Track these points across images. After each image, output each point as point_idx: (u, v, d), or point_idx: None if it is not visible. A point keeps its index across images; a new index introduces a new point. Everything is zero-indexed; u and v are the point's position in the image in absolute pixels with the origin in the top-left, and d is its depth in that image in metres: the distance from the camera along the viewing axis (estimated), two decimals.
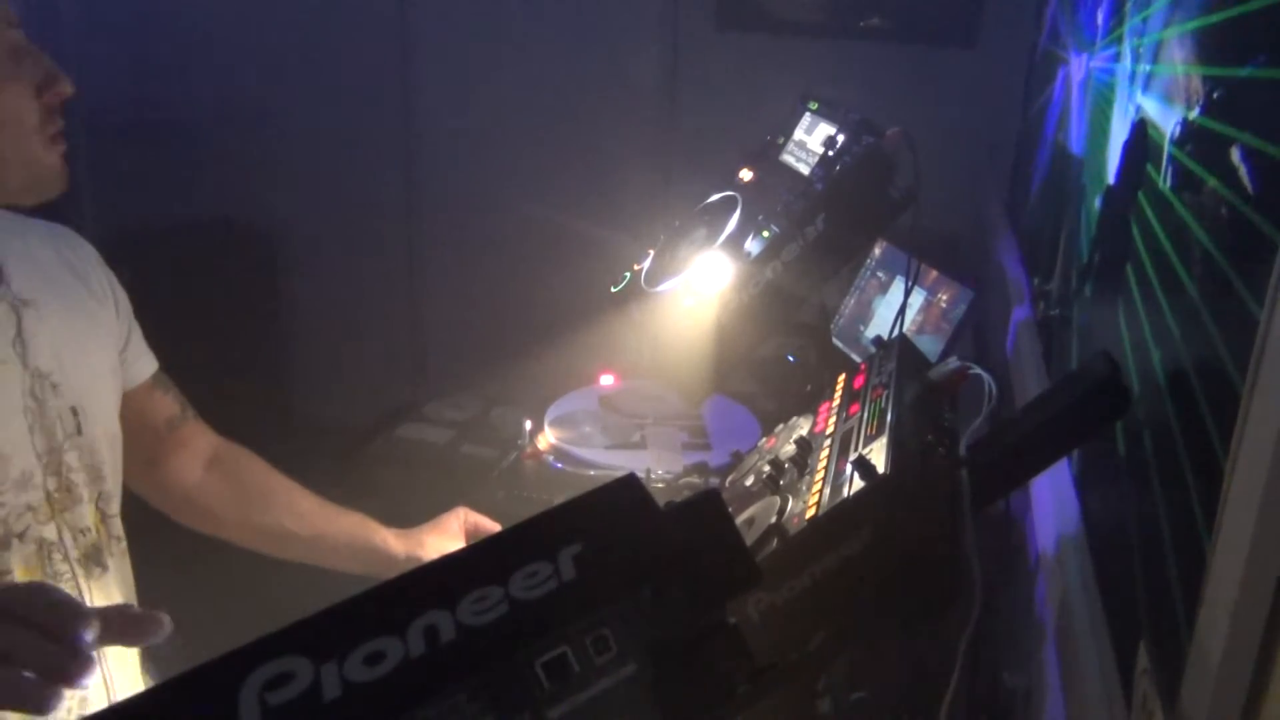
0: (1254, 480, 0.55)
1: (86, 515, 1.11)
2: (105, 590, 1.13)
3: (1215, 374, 0.65)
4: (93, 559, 1.11)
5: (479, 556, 0.54)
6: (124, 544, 1.18)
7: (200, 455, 1.32)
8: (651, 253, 1.54)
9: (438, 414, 2.02)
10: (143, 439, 1.25)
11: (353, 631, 0.49)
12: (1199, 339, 0.70)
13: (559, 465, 1.72)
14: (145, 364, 1.27)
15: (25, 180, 1.05)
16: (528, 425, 1.77)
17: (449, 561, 0.54)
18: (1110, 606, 0.85)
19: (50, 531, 1.06)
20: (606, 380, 1.96)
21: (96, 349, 1.17)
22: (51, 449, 1.07)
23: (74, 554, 1.09)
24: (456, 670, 0.47)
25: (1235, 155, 0.67)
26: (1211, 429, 0.65)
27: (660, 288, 1.44)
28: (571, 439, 1.77)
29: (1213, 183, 0.72)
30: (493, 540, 0.56)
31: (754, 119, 1.65)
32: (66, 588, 1.06)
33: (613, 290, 1.52)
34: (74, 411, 1.10)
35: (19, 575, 1.03)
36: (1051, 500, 1.08)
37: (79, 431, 1.10)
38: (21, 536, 1.03)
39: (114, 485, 1.16)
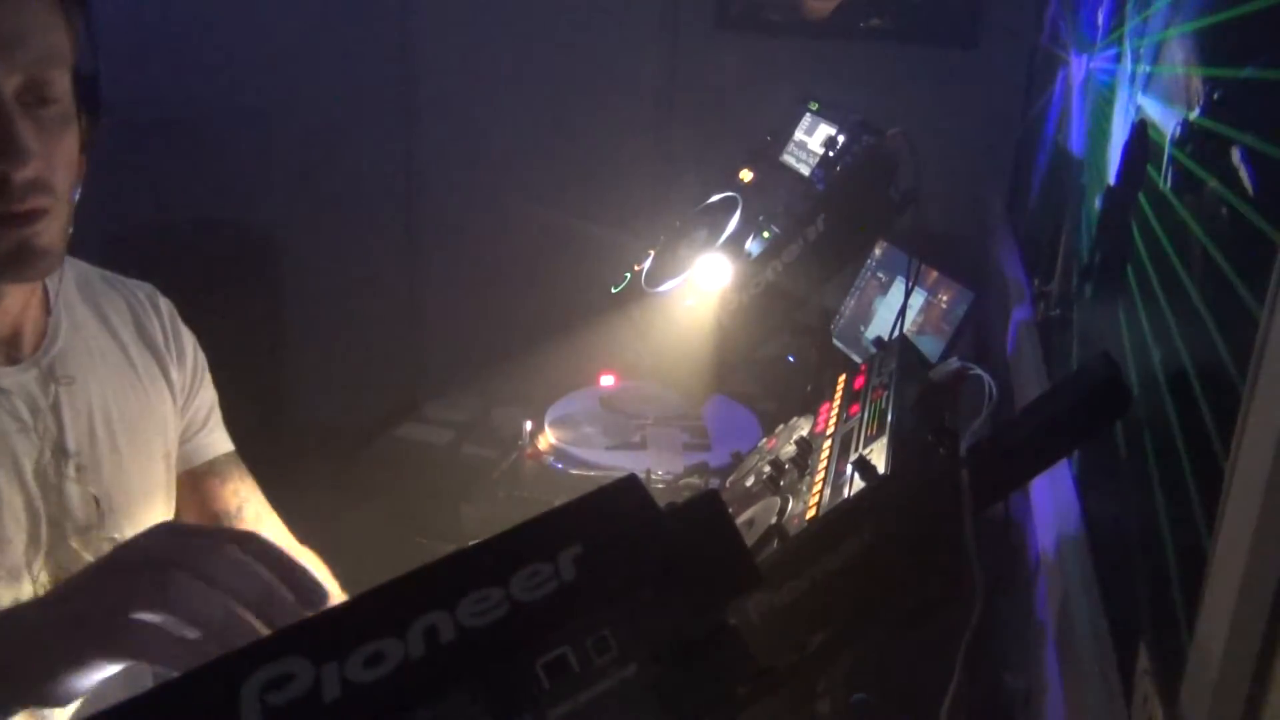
0: (1254, 480, 0.55)
1: None
2: None
3: (1215, 374, 0.65)
4: None
5: (479, 557, 0.54)
6: None
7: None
8: (652, 253, 1.54)
9: (438, 414, 2.02)
10: (189, 518, 1.12)
11: (353, 632, 0.49)
12: (1199, 339, 0.70)
13: (559, 466, 1.71)
14: (214, 443, 1.16)
15: None
16: (528, 425, 1.77)
17: (449, 562, 0.54)
18: (1110, 606, 0.85)
19: None
20: (607, 380, 1.96)
21: (144, 435, 1.04)
22: (55, 541, 0.93)
23: None
24: (457, 671, 0.48)
25: (1236, 156, 0.67)
26: (1212, 429, 0.65)
27: (661, 288, 1.44)
28: (572, 439, 1.77)
29: (1213, 183, 0.72)
30: (493, 541, 0.55)
31: (754, 119, 1.65)
32: None
33: (613, 290, 1.52)
34: (96, 501, 0.97)
35: None
36: (1051, 501, 1.08)
37: (99, 524, 0.96)
38: None
39: None
